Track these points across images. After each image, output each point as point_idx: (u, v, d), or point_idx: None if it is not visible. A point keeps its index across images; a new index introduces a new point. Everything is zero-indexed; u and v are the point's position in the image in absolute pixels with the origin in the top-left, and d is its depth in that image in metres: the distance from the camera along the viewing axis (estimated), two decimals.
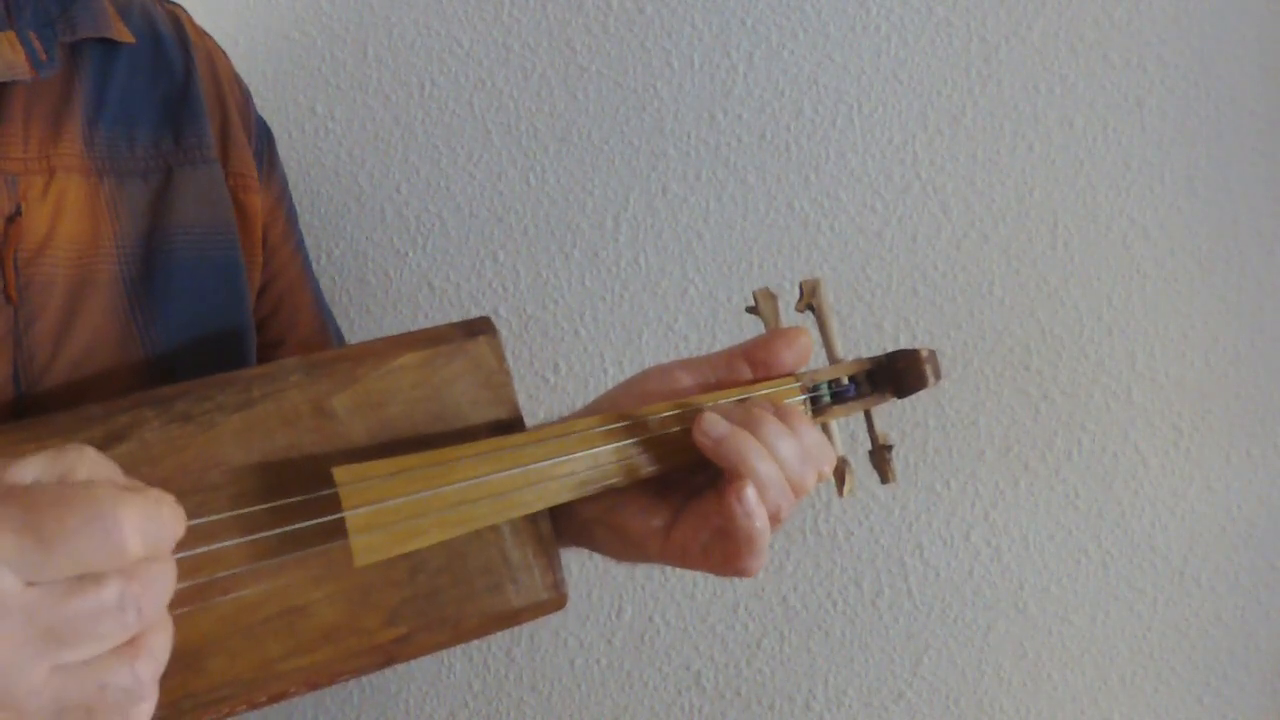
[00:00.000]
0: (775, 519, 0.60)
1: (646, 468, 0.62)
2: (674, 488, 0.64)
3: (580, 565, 1.03)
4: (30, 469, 0.43)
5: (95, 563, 0.41)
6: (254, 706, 0.55)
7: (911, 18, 1.01)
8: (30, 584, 0.40)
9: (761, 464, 0.59)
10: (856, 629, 1.04)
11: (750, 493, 0.58)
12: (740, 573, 0.61)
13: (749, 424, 0.60)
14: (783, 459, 0.60)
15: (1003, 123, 1.02)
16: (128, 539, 0.41)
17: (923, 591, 1.03)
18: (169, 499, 0.44)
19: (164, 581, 0.43)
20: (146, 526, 0.42)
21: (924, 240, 1.02)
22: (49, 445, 0.44)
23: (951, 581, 1.03)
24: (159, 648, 0.44)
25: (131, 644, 0.43)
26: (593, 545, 0.67)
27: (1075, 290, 1.02)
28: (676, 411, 0.63)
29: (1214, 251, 1.02)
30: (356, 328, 1.03)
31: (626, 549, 0.65)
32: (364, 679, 1.05)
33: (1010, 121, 1.02)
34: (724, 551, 0.61)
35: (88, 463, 0.44)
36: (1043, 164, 1.02)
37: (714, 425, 0.60)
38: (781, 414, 0.62)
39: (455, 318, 1.03)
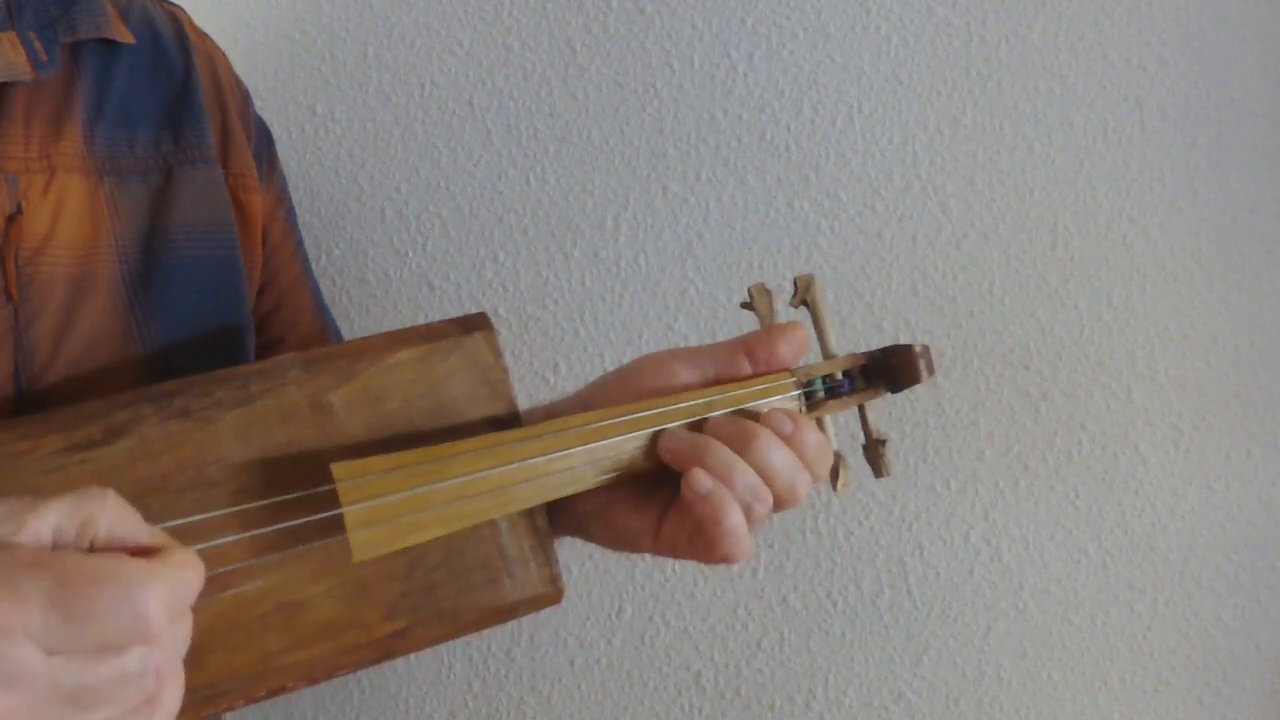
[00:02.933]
0: (750, 516, 0.61)
1: (641, 463, 0.62)
2: (663, 483, 0.64)
3: (580, 564, 1.03)
4: (51, 515, 0.43)
5: (121, 638, 0.41)
6: (252, 700, 0.56)
7: (911, 18, 1.01)
8: (52, 654, 0.41)
9: (712, 460, 0.60)
10: (856, 629, 1.04)
11: (701, 477, 0.60)
12: (723, 560, 0.62)
13: (730, 436, 0.61)
14: (757, 462, 0.61)
15: (1003, 123, 1.02)
16: (154, 616, 0.42)
17: (923, 591, 1.03)
18: (191, 559, 0.45)
19: (182, 639, 0.44)
20: (172, 598, 0.43)
21: (924, 240, 1.02)
22: (70, 492, 0.44)
23: (951, 581, 1.03)
24: (172, 700, 0.45)
25: (148, 701, 0.44)
26: (588, 537, 0.68)
27: (1075, 290, 1.02)
28: (672, 409, 0.63)
29: (1214, 251, 1.02)
30: (356, 328, 1.03)
31: (620, 542, 0.66)
32: (364, 678, 1.05)
33: (1010, 121, 1.02)
34: (703, 542, 0.62)
35: (109, 511, 0.44)
36: (1043, 164, 1.02)
37: (671, 440, 0.62)
38: (771, 421, 0.62)
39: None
